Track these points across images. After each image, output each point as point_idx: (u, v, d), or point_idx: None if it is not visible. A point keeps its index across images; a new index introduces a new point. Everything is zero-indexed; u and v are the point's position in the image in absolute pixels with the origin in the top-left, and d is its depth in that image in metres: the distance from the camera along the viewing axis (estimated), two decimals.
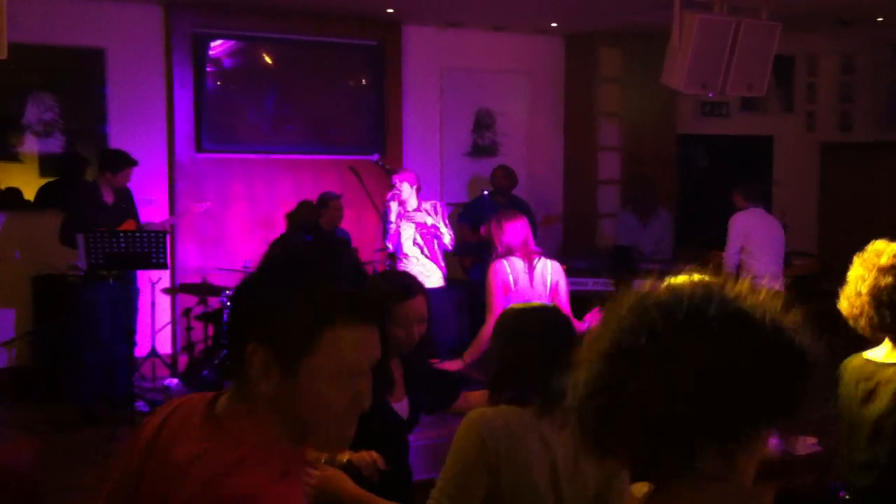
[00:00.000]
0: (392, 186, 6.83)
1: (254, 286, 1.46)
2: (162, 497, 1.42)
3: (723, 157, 10.00)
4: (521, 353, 2.41)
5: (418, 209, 6.79)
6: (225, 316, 6.80)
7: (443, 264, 6.92)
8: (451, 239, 6.80)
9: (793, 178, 10.09)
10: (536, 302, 3.04)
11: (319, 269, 1.44)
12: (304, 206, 7.47)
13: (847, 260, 2.69)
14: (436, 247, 6.79)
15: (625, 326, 1.22)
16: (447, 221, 6.86)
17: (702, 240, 8.36)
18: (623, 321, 1.23)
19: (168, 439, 1.48)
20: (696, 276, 1.30)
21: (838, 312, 2.65)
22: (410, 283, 2.97)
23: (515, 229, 4.99)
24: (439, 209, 6.83)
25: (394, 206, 6.77)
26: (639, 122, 9.20)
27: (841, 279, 2.68)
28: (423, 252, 6.76)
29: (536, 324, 2.47)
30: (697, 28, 7.12)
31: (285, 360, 1.37)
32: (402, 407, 2.98)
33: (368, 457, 2.58)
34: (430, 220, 6.72)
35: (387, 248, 6.97)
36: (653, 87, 8.41)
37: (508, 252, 4.96)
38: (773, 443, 3.20)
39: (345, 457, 2.57)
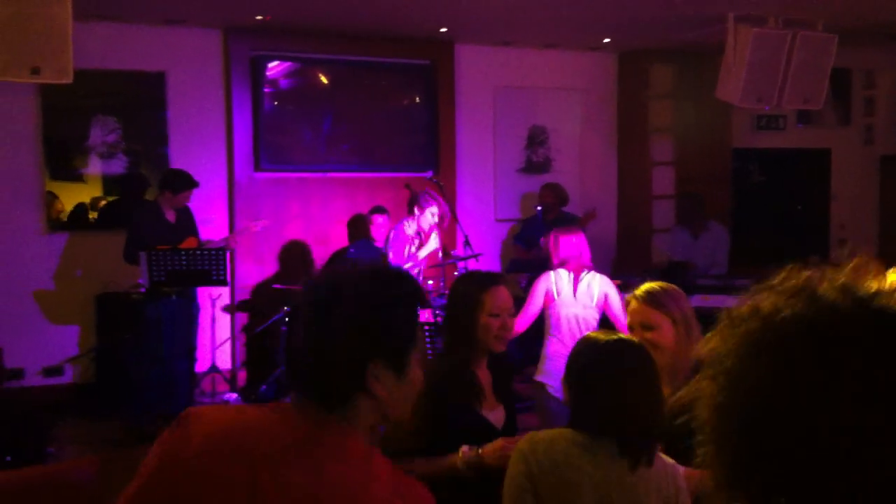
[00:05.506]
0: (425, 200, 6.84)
1: (353, 306, 1.49)
2: None
3: (779, 171, 9.90)
4: (590, 385, 2.37)
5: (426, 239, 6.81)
6: (283, 333, 6.87)
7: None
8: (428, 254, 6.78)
9: (851, 192, 9.95)
10: (608, 331, 3.03)
11: (396, 278, 1.57)
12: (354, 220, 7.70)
13: None
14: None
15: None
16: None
17: (759, 254, 8.27)
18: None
19: (227, 456, 1.42)
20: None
21: None
22: (495, 274, 3.35)
23: (570, 243, 5.05)
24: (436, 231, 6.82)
25: (409, 225, 6.80)
26: (692, 137, 9.14)
27: None
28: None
29: (605, 358, 2.40)
30: (752, 42, 7.07)
31: (399, 364, 1.50)
32: (496, 416, 2.95)
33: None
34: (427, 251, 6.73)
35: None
36: (706, 102, 8.39)
37: (562, 265, 5.03)
38: None
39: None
